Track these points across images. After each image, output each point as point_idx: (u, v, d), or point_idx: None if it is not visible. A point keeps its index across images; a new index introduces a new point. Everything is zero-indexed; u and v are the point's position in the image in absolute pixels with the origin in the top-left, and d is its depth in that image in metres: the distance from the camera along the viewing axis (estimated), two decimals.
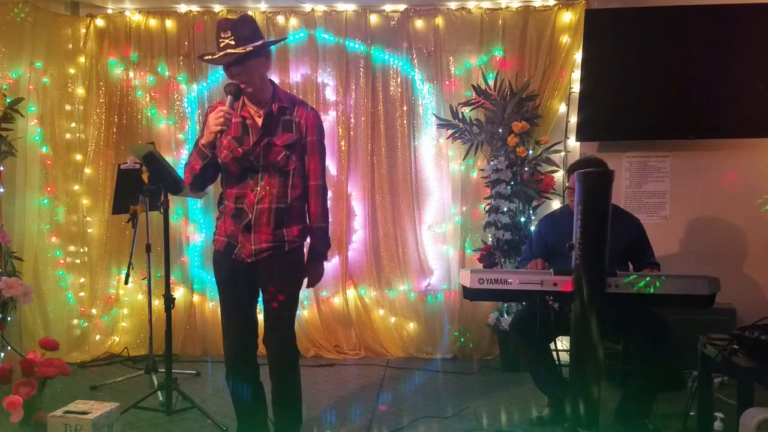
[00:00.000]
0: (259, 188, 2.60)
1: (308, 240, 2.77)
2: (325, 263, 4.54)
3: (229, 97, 2.49)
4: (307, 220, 2.76)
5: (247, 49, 2.45)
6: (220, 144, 2.57)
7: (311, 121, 2.66)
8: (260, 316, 2.78)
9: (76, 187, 4.59)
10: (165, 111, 4.63)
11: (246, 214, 2.60)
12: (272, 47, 2.65)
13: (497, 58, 4.44)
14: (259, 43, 2.50)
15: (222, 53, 2.47)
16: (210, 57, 2.52)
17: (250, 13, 4.48)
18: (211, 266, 4.47)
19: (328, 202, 4.52)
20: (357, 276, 4.64)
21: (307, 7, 4.52)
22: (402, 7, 4.49)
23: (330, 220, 2.87)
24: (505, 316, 4.27)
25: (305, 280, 2.77)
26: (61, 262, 4.53)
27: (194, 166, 2.58)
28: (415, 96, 4.55)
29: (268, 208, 2.60)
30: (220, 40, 2.47)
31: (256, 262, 2.62)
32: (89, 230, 4.63)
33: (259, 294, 2.73)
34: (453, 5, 4.46)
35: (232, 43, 2.45)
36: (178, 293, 4.58)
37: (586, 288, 2.26)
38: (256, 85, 2.56)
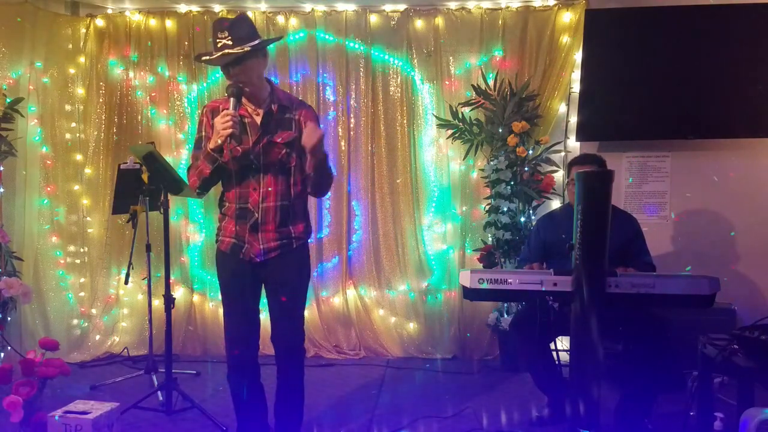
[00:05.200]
0: (261, 187, 2.60)
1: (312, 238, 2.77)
2: (325, 263, 4.60)
3: (232, 99, 2.49)
4: (310, 218, 2.78)
5: (245, 49, 2.45)
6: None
7: (310, 119, 2.66)
8: (261, 316, 2.78)
9: (76, 187, 4.59)
10: (165, 111, 4.63)
11: (252, 214, 2.60)
12: (270, 46, 2.66)
13: (497, 58, 4.44)
14: (257, 42, 2.50)
15: (219, 53, 2.47)
16: (207, 58, 2.53)
17: (250, 13, 4.48)
18: (212, 266, 4.55)
19: (328, 202, 4.58)
20: (357, 276, 4.64)
21: (307, 7, 4.52)
22: (402, 7, 4.48)
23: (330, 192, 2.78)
24: (505, 316, 4.27)
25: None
26: (61, 262, 4.53)
27: (203, 170, 2.57)
28: (415, 96, 4.54)
29: (273, 207, 2.60)
30: (218, 40, 2.47)
31: (265, 261, 2.62)
32: (89, 230, 4.62)
33: (262, 294, 2.74)
34: (453, 5, 4.46)
35: (230, 43, 2.45)
36: (178, 293, 4.58)
37: (586, 288, 2.26)
38: (254, 85, 2.56)
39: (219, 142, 2.47)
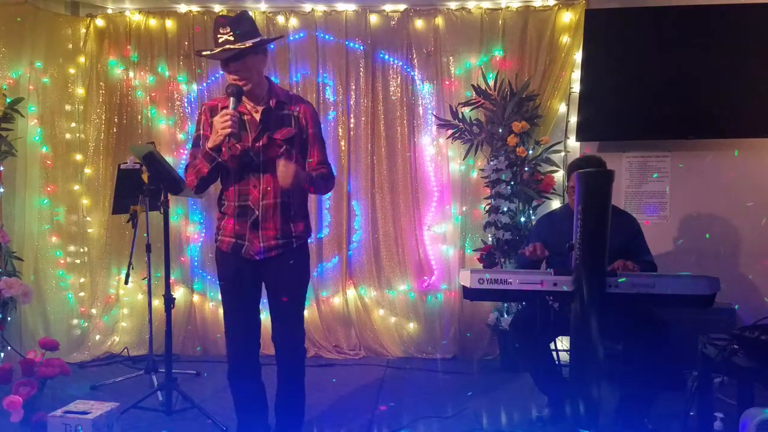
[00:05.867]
0: (261, 184, 2.60)
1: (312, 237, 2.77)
2: (325, 263, 4.59)
3: (231, 99, 2.49)
4: (309, 217, 2.78)
5: (246, 45, 2.46)
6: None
7: (309, 115, 2.67)
8: (262, 316, 2.78)
9: (76, 187, 4.59)
10: (165, 111, 4.63)
11: (252, 212, 2.60)
12: (269, 45, 2.66)
13: (497, 58, 4.44)
14: (258, 39, 2.51)
15: (220, 48, 2.48)
16: (208, 52, 2.53)
17: (249, 13, 4.48)
18: (212, 266, 4.54)
19: (328, 202, 4.57)
20: (357, 276, 4.64)
21: (307, 7, 4.52)
22: (402, 7, 4.48)
23: (330, 193, 2.75)
24: (505, 316, 4.27)
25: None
26: (61, 262, 4.53)
27: (201, 169, 2.57)
28: (415, 96, 4.54)
29: (273, 204, 2.60)
30: (219, 35, 2.48)
31: (264, 259, 2.62)
32: (89, 230, 4.62)
33: (262, 293, 2.74)
34: (453, 5, 4.46)
35: (231, 38, 2.46)
36: (178, 293, 4.58)
37: (586, 288, 2.26)
38: (254, 82, 2.56)
39: (218, 141, 2.47)
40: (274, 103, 2.62)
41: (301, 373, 2.77)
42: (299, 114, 2.65)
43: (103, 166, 4.59)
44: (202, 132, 2.65)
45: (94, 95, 4.59)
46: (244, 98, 2.59)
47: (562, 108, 4.41)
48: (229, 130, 2.44)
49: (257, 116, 2.61)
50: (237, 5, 4.55)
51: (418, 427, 3.28)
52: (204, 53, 2.57)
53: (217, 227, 2.73)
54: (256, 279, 2.69)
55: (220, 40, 2.47)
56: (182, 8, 4.57)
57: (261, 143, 2.58)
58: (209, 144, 2.52)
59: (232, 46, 2.45)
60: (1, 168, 4.08)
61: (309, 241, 2.79)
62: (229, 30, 2.46)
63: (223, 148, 2.52)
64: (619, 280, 2.42)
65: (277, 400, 2.78)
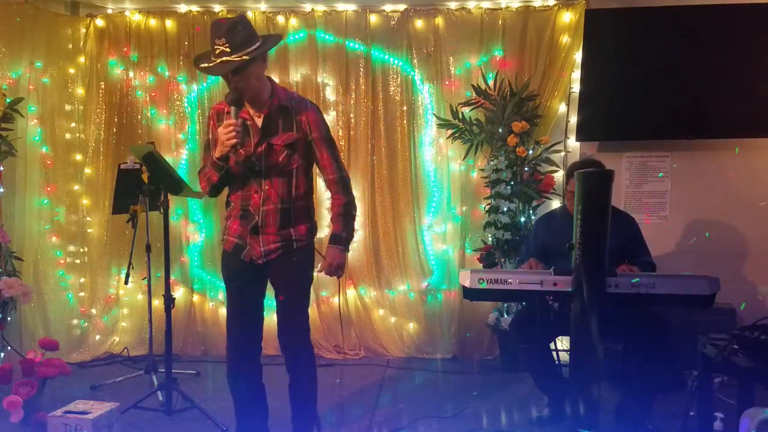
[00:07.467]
0: (263, 190, 2.60)
1: (319, 235, 2.79)
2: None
3: (233, 108, 2.48)
4: (314, 217, 2.77)
5: (244, 58, 2.42)
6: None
7: (312, 118, 2.64)
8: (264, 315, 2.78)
9: (76, 187, 4.59)
10: (165, 111, 4.63)
11: (252, 217, 2.61)
12: (269, 51, 2.64)
13: (497, 58, 4.44)
14: (254, 48, 2.45)
15: (218, 61, 2.43)
16: (206, 65, 2.49)
17: (249, 13, 4.48)
18: (211, 266, 4.57)
19: (328, 202, 4.54)
20: (357, 276, 4.63)
21: (307, 8, 4.52)
22: (402, 7, 4.48)
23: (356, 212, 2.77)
24: (505, 316, 4.27)
25: (321, 266, 2.71)
26: (61, 262, 4.53)
27: (211, 177, 2.60)
28: (415, 96, 4.54)
29: (273, 209, 2.60)
30: (215, 47, 2.42)
31: (266, 262, 2.63)
32: (89, 230, 4.62)
33: (265, 294, 2.74)
34: (453, 5, 4.46)
35: (228, 50, 2.40)
36: (178, 293, 4.58)
37: (586, 288, 2.26)
38: (254, 88, 2.54)
39: (224, 152, 2.48)
40: (275, 109, 2.60)
41: (306, 372, 2.73)
42: (302, 118, 2.62)
43: (103, 166, 4.59)
44: (210, 136, 2.66)
45: (94, 95, 4.59)
46: (246, 103, 2.58)
47: (562, 108, 4.41)
48: (234, 140, 2.44)
49: (259, 122, 2.60)
50: (237, 5, 4.55)
51: (418, 427, 3.29)
52: (202, 66, 2.52)
53: (224, 227, 2.75)
54: (259, 280, 2.69)
55: (217, 52, 2.42)
56: (182, 8, 4.57)
57: (263, 149, 2.58)
58: (216, 154, 2.52)
59: (229, 59, 2.41)
60: (1, 168, 4.08)
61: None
62: (225, 41, 2.39)
63: (230, 158, 2.53)
64: (633, 281, 2.42)
65: (290, 398, 2.76)
